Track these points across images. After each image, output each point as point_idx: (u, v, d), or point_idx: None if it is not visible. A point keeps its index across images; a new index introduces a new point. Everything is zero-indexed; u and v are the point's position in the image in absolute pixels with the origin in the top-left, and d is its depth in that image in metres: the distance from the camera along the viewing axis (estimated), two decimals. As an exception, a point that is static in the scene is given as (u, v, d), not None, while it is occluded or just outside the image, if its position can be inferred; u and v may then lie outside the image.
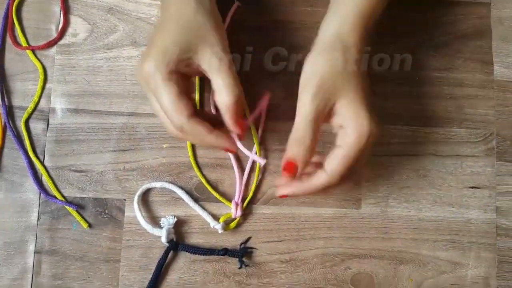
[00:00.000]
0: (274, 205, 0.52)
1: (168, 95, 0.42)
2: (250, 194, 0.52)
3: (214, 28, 0.45)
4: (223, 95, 0.43)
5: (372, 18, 0.46)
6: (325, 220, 0.52)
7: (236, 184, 0.52)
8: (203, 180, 0.52)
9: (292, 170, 0.44)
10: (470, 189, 0.53)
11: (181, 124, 0.43)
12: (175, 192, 0.52)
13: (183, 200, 0.51)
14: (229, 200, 0.51)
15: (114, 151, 0.53)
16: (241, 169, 0.52)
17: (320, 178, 0.44)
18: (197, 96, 0.53)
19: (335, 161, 0.43)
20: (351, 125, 0.43)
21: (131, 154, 0.52)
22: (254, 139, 0.52)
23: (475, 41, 0.55)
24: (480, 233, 0.52)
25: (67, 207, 0.51)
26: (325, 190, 0.44)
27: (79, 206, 0.52)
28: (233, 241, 0.51)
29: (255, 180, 0.52)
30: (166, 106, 0.42)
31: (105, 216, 0.52)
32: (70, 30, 0.54)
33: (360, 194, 0.52)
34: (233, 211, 0.51)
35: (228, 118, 0.44)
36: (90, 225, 0.51)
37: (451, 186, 0.53)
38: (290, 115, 0.44)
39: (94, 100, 0.53)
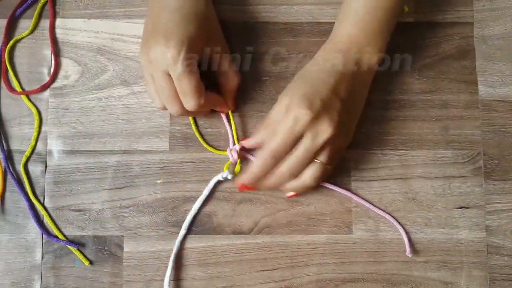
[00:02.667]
0: (267, 234, 0.54)
1: (193, 81, 0.47)
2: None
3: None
4: (230, 81, 0.52)
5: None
6: (317, 247, 0.53)
7: (228, 131, 0.54)
8: (197, 134, 0.55)
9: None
10: (459, 209, 0.54)
11: (199, 104, 0.48)
12: (170, 226, 0.53)
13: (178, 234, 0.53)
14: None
15: (111, 189, 0.54)
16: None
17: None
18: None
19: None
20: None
21: (126, 191, 0.54)
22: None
23: (459, 62, 0.56)
24: (471, 252, 0.53)
25: (69, 246, 0.53)
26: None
27: (79, 244, 0.54)
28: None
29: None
30: (188, 90, 0.47)
31: (105, 252, 0.54)
32: (61, 73, 0.56)
33: (351, 219, 0.54)
34: (230, 156, 0.53)
35: (228, 97, 0.53)
36: (91, 262, 0.54)
37: (440, 207, 0.54)
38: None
39: (89, 140, 0.55)
